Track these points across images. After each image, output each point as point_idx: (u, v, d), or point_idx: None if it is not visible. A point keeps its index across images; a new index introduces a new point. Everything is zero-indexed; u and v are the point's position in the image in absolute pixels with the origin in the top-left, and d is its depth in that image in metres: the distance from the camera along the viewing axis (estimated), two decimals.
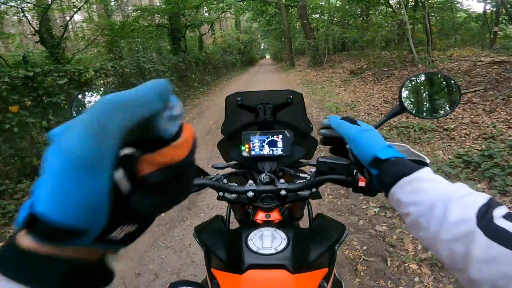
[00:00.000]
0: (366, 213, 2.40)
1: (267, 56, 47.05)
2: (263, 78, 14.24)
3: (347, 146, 0.54)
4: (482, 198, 0.35)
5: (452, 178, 2.62)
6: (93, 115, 0.19)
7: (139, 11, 12.10)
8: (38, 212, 0.19)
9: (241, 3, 19.22)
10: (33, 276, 0.20)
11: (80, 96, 0.71)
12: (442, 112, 0.73)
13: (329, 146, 0.66)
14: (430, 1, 10.56)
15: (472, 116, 4.10)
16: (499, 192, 2.37)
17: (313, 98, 7.44)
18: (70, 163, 0.18)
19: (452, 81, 0.71)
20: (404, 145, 0.78)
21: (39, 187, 0.20)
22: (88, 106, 0.72)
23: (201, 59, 11.82)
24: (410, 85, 0.70)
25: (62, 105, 3.76)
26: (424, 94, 0.74)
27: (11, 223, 2.64)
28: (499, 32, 9.58)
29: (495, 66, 5.83)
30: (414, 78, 0.71)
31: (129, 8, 17.91)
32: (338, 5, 17.94)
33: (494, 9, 10.01)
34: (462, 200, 0.35)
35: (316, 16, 20.43)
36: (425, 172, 0.40)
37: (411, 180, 0.40)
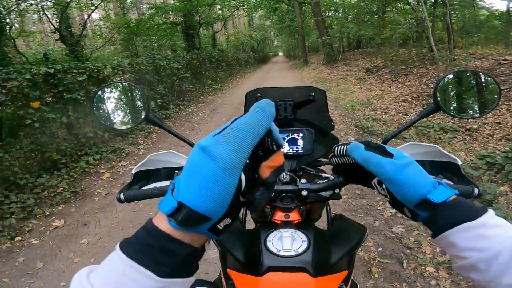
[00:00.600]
0: (382, 214, 2.34)
1: (280, 54, 46.83)
2: (276, 76, 14.18)
3: (376, 180, 0.47)
4: None
5: (474, 181, 2.52)
6: (233, 136, 0.28)
7: (153, 9, 12.28)
8: (185, 203, 0.27)
9: (254, 0, 19.15)
10: (161, 257, 0.28)
11: (100, 92, 0.72)
12: (479, 111, 0.69)
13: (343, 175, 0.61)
14: None
15: (495, 116, 3.94)
16: None
17: (327, 96, 7.30)
18: (220, 166, 0.27)
19: (490, 79, 0.67)
20: (435, 145, 0.75)
21: (185, 183, 0.28)
22: (107, 102, 0.73)
23: (214, 56, 11.88)
24: (445, 83, 0.67)
25: (82, 101, 3.86)
26: (459, 92, 0.71)
27: (30, 217, 2.71)
28: None
29: None
30: (450, 75, 0.68)
31: (144, 6, 18.19)
32: (353, 2, 17.60)
33: None
34: None
35: (330, 13, 20.15)
36: (490, 217, 0.36)
37: (475, 226, 0.36)
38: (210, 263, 1.95)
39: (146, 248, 0.29)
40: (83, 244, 2.31)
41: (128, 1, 14.49)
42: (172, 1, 14.84)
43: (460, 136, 3.56)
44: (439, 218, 0.38)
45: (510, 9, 10.91)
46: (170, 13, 12.82)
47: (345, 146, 0.50)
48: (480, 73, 0.70)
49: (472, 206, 0.38)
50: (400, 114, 4.91)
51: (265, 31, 31.59)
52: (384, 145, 0.46)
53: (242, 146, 0.28)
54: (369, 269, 1.80)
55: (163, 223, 0.29)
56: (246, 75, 16.00)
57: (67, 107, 3.75)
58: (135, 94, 0.74)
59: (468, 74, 0.74)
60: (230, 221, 0.31)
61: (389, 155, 0.42)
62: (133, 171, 0.78)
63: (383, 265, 1.83)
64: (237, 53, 17.91)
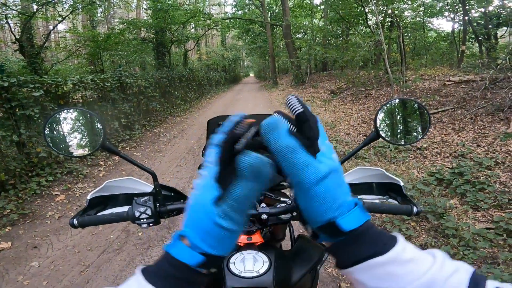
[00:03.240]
0: None
1: (251, 74, 47.98)
2: (247, 97, 14.44)
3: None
4: (466, 275, 0.29)
5: (426, 196, 2.72)
6: (238, 210, 0.32)
7: (125, 24, 12.08)
8: (208, 251, 0.32)
9: (228, 21, 19.70)
10: (186, 286, 0.32)
11: (56, 115, 0.70)
12: (415, 135, 0.77)
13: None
14: (404, 21, 11.24)
15: (442, 135, 4.32)
16: (471, 207, 2.48)
17: None
18: (230, 232, 0.33)
19: (421, 106, 0.76)
20: (379, 169, 0.82)
21: (202, 239, 0.32)
22: (63, 124, 0.71)
23: (185, 75, 11.82)
24: (385, 110, 0.74)
25: (36, 118, 3.60)
26: (398, 119, 0.78)
27: None
28: (466, 51, 10.26)
29: (463, 85, 6.18)
30: (389, 104, 0.75)
31: (115, 20, 17.86)
32: (320, 25, 18.74)
33: (462, 28, 10.70)
34: (448, 284, 0.29)
35: (300, 35, 21.23)
36: (401, 250, 0.31)
37: (383, 263, 0.30)
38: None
39: (170, 278, 0.32)
40: (34, 266, 2.16)
41: (99, 14, 14.12)
42: (145, 17, 14.77)
43: (412, 155, 3.85)
44: (342, 252, 0.33)
45: (455, 30, 12.27)
46: (142, 29, 12.70)
47: (264, 120, 0.34)
48: (413, 102, 0.79)
49: (380, 236, 0.32)
50: (361, 135, 5.20)
51: (237, 51, 32.34)
52: (310, 123, 0.34)
53: (244, 216, 0.33)
54: (338, 285, 1.84)
55: (183, 255, 0.32)
56: (216, 95, 16.10)
57: (19, 124, 3.47)
58: (93, 119, 0.72)
59: (403, 103, 0.82)
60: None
61: (314, 149, 0.33)
62: (89, 197, 0.77)
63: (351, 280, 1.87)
64: (208, 73, 18.02)
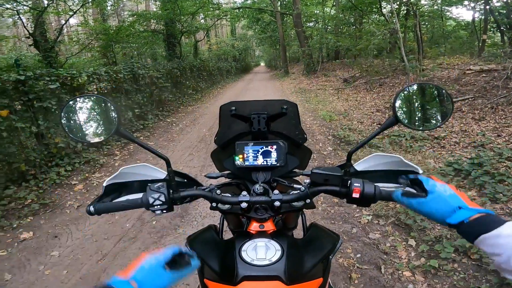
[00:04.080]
0: (359, 221, 2.40)
1: (262, 64, 47.51)
2: (258, 86, 14.34)
3: None
4: None
5: None
6: None
7: (135, 16, 12.12)
8: None
9: (237, 11, 19.44)
10: None
11: (71, 102, 0.70)
12: (434, 123, 0.74)
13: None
14: (421, 9, 10.82)
15: (461, 125, 4.18)
16: (490, 199, 2.40)
17: (306, 106, 7.50)
18: None
19: (444, 91, 0.72)
20: (397, 156, 0.79)
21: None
22: (78, 112, 0.72)
23: (195, 65, 11.83)
24: (403, 96, 0.70)
25: (53, 110, 3.70)
26: (417, 105, 0.75)
27: None
28: (487, 40, 9.82)
29: (484, 74, 5.95)
30: (407, 88, 0.72)
31: (125, 13, 17.93)
32: (332, 14, 18.27)
33: (483, 17, 10.27)
34: None
35: (311, 24, 20.78)
36: (505, 229, 0.45)
37: (489, 237, 0.46)
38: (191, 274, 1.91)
39: None
40: (54, 256, 2.23)
41: (109, 8, 14.21)
42: (154, 9, 14.75)
43: (429, 144, 3.74)
44: (463, 233, 0.49)
45: (476, 19, 11.73)
46: (152, 21, 12.72)
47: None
48: (435, 86, 0.75)
49: (491, 222, 0.47)
50: (375, 123, 5.10)
51: (247, 41, 32.01)
52: (411, 190, 0.60)
53: None
54: (349, 275, 1.83)
55: None
56: (227, 85, 16.06)
57: (37, 116, 3.58)
58: (108, 106, 0.72)
59: (424, 87, 0.78)
60: None
61: (421, 195, 0.55)
62: (104, 184, 0.77)
63: (362, 271, 1.86)
64: (219, 63, 17.97)
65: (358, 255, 2.00)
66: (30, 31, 7.54)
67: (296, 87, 12.02)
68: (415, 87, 0.76)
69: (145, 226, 2.54)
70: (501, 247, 0.44)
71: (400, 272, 1.82)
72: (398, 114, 0.67)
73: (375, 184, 0.67)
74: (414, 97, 0.75)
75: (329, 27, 17.56)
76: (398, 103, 0.68)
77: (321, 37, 14.64)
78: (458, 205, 0.49)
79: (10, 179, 3.17)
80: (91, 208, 0.68)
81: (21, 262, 2.18)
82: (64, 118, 0.69)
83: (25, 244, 2.40)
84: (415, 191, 0.63)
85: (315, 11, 21.45)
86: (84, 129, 0.72)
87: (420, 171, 0.75)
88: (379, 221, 2.36)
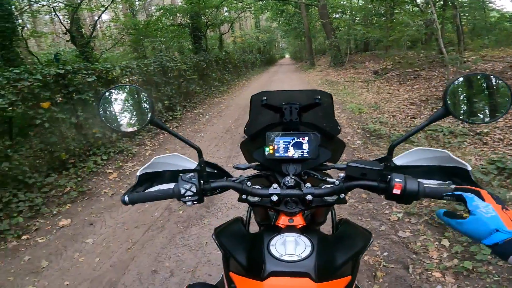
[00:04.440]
0: (389, 219, 2.31)
1: (287, 56, 46.80)
2: (283, 78, 14.18)
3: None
4: None
5: (484, 185, 2.47)
6: None
7: (161, 11, 12.41)
8: None
9: (261, 3, 19.19)
10: None
11: (107, 94, 0.72)
12: (489, 116, 0.67)
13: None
14: (460, 0, 10.06)
15: (506, 121, 3.84)
16: None
17: (334, 98, 7.17)
18: None
19: (501, 82, 0.65)
20: (444, 150, 0.73)
21: None
22: (113, 104, 0.74)
23: (221, 58, 11.94)
24: (455, 87, 0.65)
25: (91, 102, 3.92)
26: (470, 96, 0.69)
27: (37, 216, 2.74)
28: None
29: None
30: (460, 79, 0.66)
31: (153, 8, 18.41)
32: (360, 5, 17.48)
33: None
34: None
35: (337, 15, 20.07)
36: None
37: None
38: (214, 264, 1.95)
39: None
40: (89, 243, 2.33)
41: (137, 3, 14.66)
42: (179, 3, 14.99)
43: (470, 141, 3.49)
44: (496, 253, 0.52)
45: None
46: (178, 14, 12.95)
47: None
48: (491, 77, 0.68)
49: None
50: (409, 117, 4.84)
51: (271, 33, 31.63)
52: (452, 212, 0.57)
53: None
54: (374, 273, 1.78)
55: None
56: (252, 77, 16.03)
57: (76, 107, 3.81)
58: (141, 96, 0.74)
59: (478, 78, 0.71)
60: None
61: (461, 216, 0.55)
62: (138, 174, 0.79)
63: (389, 269, 1.80)
64: (243, 55, 17.97)
65: (385, 253, 1.93)
66: (67, 27, 7.99)
67: (322, 79, 11.73)
68: (467, 78, 0.70)
69: (173, 216, 2.61)
70: None
71: (429, 272, 1.74)
72: (449, 105, 0.61)
73: (419, 180, 0.63)
74: (466, 88, 0.69)
75: (357, 18, 16.83)
76: (449, 94, 0.63)
77: (349, 28, 14.10)
78: (496, 227, 0.50)
79: (52, 167, 3.40)
80: (126, 198, 0.69)
81: (58, 249, 2.30)
82: (101, 109, 0.71)
83: (63, 231, 2.53)
84: (456, 212, 0.61)
85: (342, 2, 20.64)
86: (119, 119, 0.73)
87: (469, 168, 0.69)
88: (410, 219, 2.26)
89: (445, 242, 1.96)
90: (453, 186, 0.71)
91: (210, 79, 9.90)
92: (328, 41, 15.27)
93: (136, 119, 0.74)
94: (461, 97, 0.68)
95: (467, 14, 12.19)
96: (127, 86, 0.76)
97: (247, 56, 19.07)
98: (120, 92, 0.75)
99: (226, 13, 17.62)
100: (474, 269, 1.69)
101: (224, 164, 3.65)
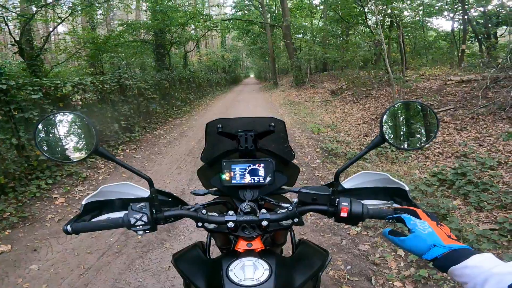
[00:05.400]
0: (349, 233, 2.40)
1: (251, 75, 48.02)
2: (247, 98, 14.44)
3: None
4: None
5: (429, 196, 2.70)
6: None
7: (124, 26, 12.08)
8: None
9: (228, 22, 19.72)
10: None
11: (44, 121, 0.68)
12: (420, 141, 0.75)
13: None
14: (404, 21, 11.24)
15: (444, 135, 4.29)
16: (474, 208, 2.46)
17: (295, 119, 7.58)
18: None
19: (429, 109, 0.73)
20: (384, 173, 0.80)
21: None
22: (54, 131, 0.69)
23: (185, 77, 11.81)
24: (389, 114, 0.71)
25: (35, 121, 3.58)
26: (404, 123, 0.76)
27: None
28: (466, 50, 10.22)
29: (464, 85, 6.15)
30: (393, 106, 0.73)
31: (115, 22, 17.87)
32: (320, 26, 18.74)
33: (462, 27, 10.66)
34: (496, 278, 0.46)
35: (300, 36, 21.22)
36: (471, 260, 0.51)
37: (458, 268, 0.52)
38: None
39: None
40: (33, 269, 2.15)
41: (99, 16, 14.12)
42: (144, 19, 14.77)
43: (414, 155, 3.82)
44: (436, 266, 0.56)
45: (455, 29, 12.26)
46: (142, 30, 12.70)
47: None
48: (421, 104, 0.76)
49: (460, 255, 0.53)
50: (362, 135, 5.18)
51: (237, 52, 32.35)
52: (395, 231, 0.63)
53: None
54: (340, 287, 1.81)
55: None
56: (217, 96, 16.10)
57: (18, 127, 3.46)
58: (84, 124, 0.70)
59: (410, 105, 0.80)
60: None
61: (403, 234, 0.62)
62: (83, 202, 0.75)
63: (353, 283, 1.86)
64: (208, 74, 18.01)
65: (349, 267, 2.00)
66: (16, 39, 7.38)
67: (285, 99, 12.17)
68: (401, 104, 0.77)
69: (131, 240, 2.46)
70: (467, 276, 0.50)
71: (390, 282, 1.82)
72: (385, 132, 0.67)
73: (363, 202, 0.67)
74: (400, 115, 0.76)
75: (317, 39, 17.96)
76: (385, 121, 0.69)
77: (310, 48, 14.95)
78: (433, 243, 0.56)
79: None
80: (68, 228, 0.66)
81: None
82: (38, 138, 0.66)
83: (3, 257, 2.32)
84: (400, 230, 0.67)
85: (304, 23, 22.00)
86: (59, 149, 0.69)
87: (406, 188, 0.76)
88: (367, 232, 2.37)
89: (401, 252, 2.08)
90: (394, 205, 0.77)
91: (173, 99, 9.68)
92: (290, 61, 15.99)
93: (78, 148, 0.70)
94: (395, 124, 0.75)
95: (409, 34, 13.62)
96: (68, 113, 0.71)
97: (212, 75, 19.15)
98: (62, 119, 0.70)
99: (193, 31, 17.73)
100: (431, 277, 1.80)
101: (186, 187, 3.54)
